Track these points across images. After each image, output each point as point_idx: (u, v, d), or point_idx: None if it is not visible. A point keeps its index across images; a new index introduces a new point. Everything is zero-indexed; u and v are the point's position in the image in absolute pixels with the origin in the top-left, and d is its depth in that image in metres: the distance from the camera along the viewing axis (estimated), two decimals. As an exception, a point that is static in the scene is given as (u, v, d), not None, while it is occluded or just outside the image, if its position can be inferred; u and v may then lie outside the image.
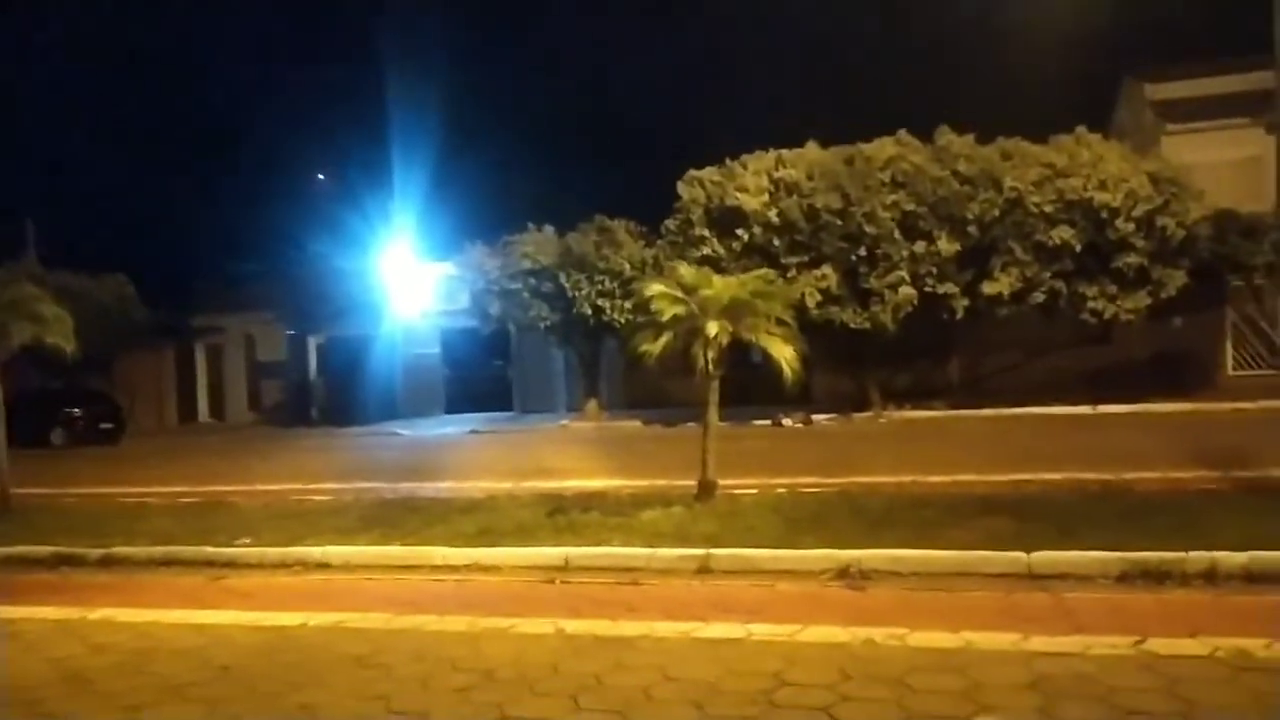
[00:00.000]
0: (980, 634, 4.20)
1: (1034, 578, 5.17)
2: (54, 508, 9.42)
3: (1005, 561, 5.31)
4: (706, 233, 18.42)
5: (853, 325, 17.75)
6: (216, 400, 30.12)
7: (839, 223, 17.59)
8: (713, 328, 7.40)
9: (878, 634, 4.25)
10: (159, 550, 7.05)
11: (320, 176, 29.00)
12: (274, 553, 6.80)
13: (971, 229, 17.26)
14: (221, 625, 5.15)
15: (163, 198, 33.13)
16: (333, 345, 27.21)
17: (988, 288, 17.26)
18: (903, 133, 18.41)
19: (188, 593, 6.05)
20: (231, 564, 6.73)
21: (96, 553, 7.07)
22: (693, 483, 7.89)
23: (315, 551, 6.73)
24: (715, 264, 15.54)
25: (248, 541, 7.09)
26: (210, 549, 6.97)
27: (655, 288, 7.84)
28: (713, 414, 7.82)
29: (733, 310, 7.58)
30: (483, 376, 27.08)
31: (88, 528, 7.98)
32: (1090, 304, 17.05)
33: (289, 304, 26.93)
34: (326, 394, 26.68)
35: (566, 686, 3.84)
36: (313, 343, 28.21)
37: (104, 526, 8.02)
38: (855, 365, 19.42)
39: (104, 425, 23.18)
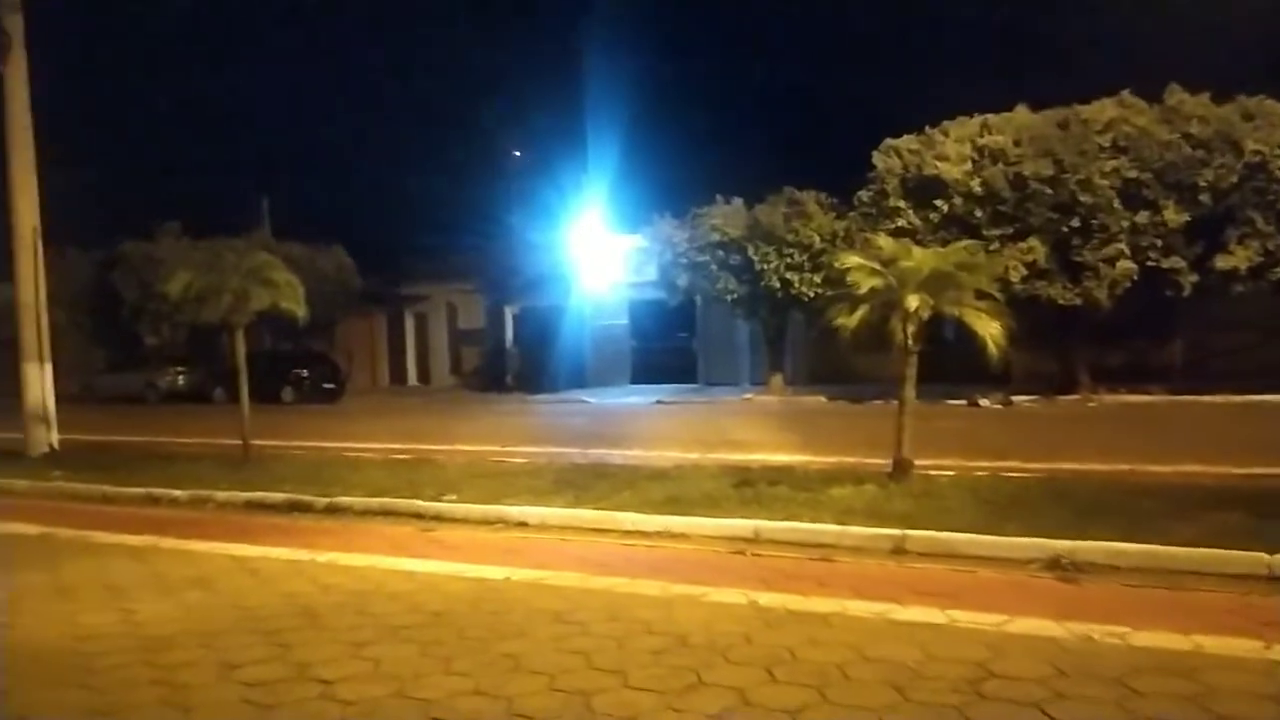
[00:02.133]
0: (1213, 638, 3.84)
1: (1275, 580, 4.67)
2: (286, 458, 10.35)
3: (1242, 561, 4.81)
4: (902, 204, 17.74)
5: (1061, 301, 16.62)
6: (422, 364, 32.17)
7: (1049, 192, 16.46)
8: (913, 301, 7.11)
9: (1096, 630, 3.97)
10: (375, 501, 7.59)
11: (517, 153, 30.09)
12: (476, 510, 7.16)
13: (1204, 197, 15.72)
14: (431, 574, 5.48)
15: (376, 175, 35.56)
16: (527, 315, 28.34)
17: (1221, 262, 15.70)
18: (1126, 93, 16.96)
19: (400, 542, 6.48)
20: (438, 517, 7.15)
21: (323, 501, 7.71)
22: (883, 461, 7.65)
23: (513, 511, 7.03)
24: (911, 236, 14.96)
25: (453, 498, 7.50)
26: (420, 503, 7.43)
27: (852, 259, 7.61)
28: (909, 390, 7.54)
29: (933, 283, 7.25)
30: (668, 348, 27.40)
31: (314, 477, 8.71)
32: (1345, 281, 15.14)
33: (488, 275, 28.26)
34: (520, 361, 27.87)
35: (760, 657, 3.83)
36: (509, 312, 29.50)
37: (328, 477, 8.73)
38: (1061, 344, 18.18)
39: (326, 385, 25.27)
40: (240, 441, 9.98)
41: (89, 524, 7.35)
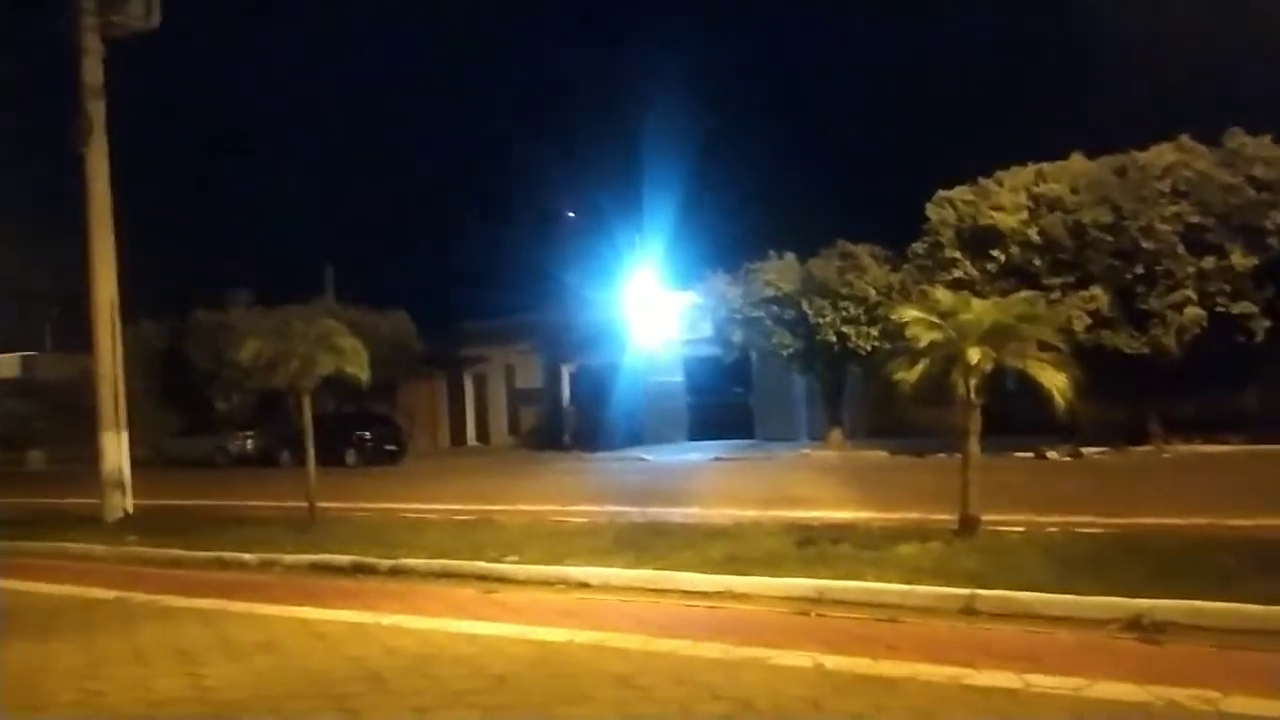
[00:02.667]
0: (1310, 703, 3.65)
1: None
2: (350, 520, 10.50)
3: (1338, 621, 4.59)
4: (958, 255, 17.60)
5: (1128, 350, 16.22)
6: (481, 424, 32.52)
7: (1109, 239, 16.21)
8: (974, 354, 7.02)
9: (1181, 695, 3.80)
10: (438, 563, 7.64)
11: (571, 214, 30.66)
12: (538, 571, 7.16)
13: (1271, 240, 15.33)
14: (494, 637, 5.48)
15: (436, 239, 36.48)
16: (583, 373, 28.57)
17: (1295, 305, 15.19)
18: (1184, 138, 16.71)
19: (463, 604, 6.50)
20: (501, 579, 7.16)
21: (386, 563, 7.79)
22: (949, 517, 7.49)
23: (575, 571, 7.01)
24: (968, 287, 14.82)
25: (515, 559, 7.52)
26: (482, 564, 7.46)
27: (910, 313, 7.56)
28: (974, 445, 7.40)
29: (995, 335, 7.16)
30: (724, 404, 27.29)
31: (378, 539, 8.81)
32: None
33: (544, 334, 28.65)
34: (577, 420, 28.02)
35: (829, 724, 3.74)
36: (565, 371, 29.78)
37: (391, 539, 8.82)
38: (1129, 393, 17.68)
39: (389, 447, 25.65)
40: (306, 504, 10.16)
41: (161, 588, 7.53)
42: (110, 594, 7.37)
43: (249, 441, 27.72)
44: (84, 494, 13.45)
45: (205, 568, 8.58)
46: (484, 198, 41.71)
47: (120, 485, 11.95)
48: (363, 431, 25.38)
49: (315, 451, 10.58)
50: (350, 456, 24.34)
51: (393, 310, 29.46)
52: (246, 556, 8.52)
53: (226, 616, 6.37)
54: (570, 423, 28.43)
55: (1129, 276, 16.14)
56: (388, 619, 6.02)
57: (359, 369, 9.90)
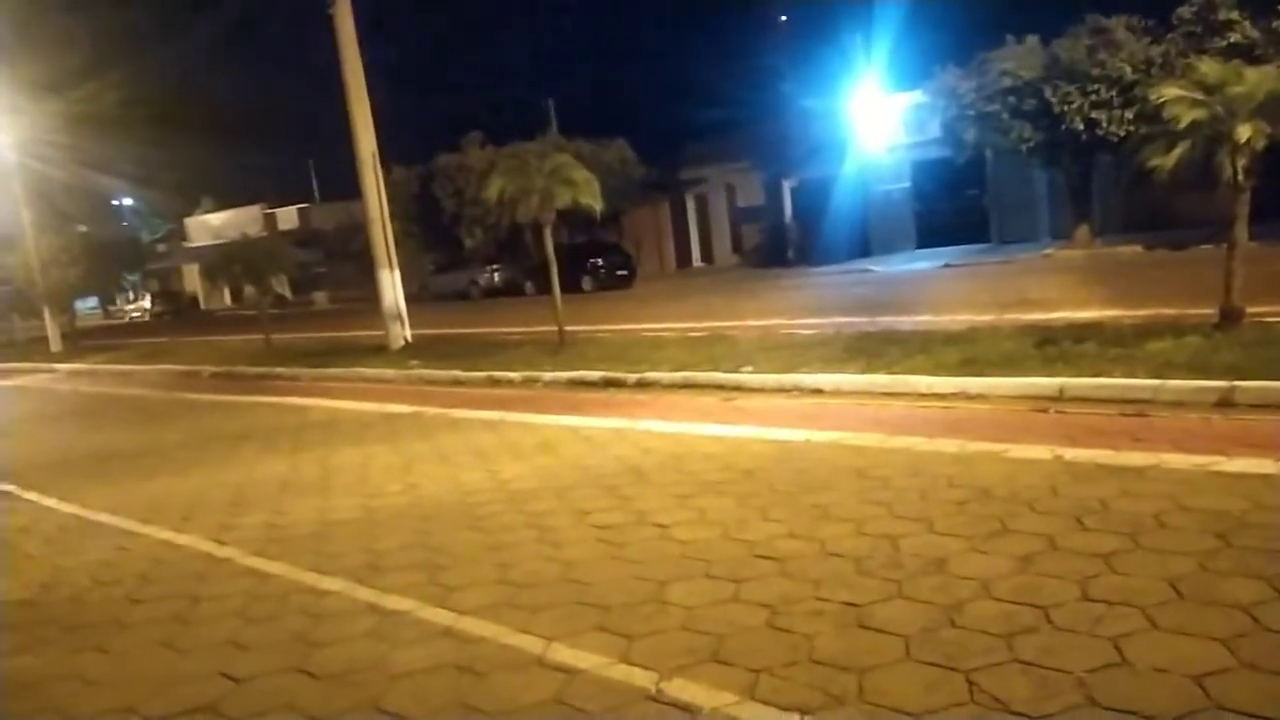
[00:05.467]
0: None
1: None
2: (595, 341, 11.36)
3: None
4: (1235, 15, 15.34)
5: None
6: (705, 245, 33.03)
7: None
8: (1244, 131, 6.37)
9: None
10: (679, 375, 8.24)
11: (783, 18, 29.19)
12: (772, 379, 7.57)
13: None
14: (737, 438, 5.97)
15: (648, 63, 36.10)
16: (804, 187, 28.01)
17: None
18: None
19: (706, 410, 7.05)
20: (738, 388, 7.65)
21: (633, 377, 8.49)
22: (1209, 311, 7.06)
23: (808, 379, 7.35)
24: (1246, 53, 12.99)
25: (750, 369, 7.96)
26: (720, 375, 7.97)
27: (1169, 90, 6.88)
28: (1241, 231, 6.83)
29: (1272, 108, 6.42)
30: (956, 208, 25.95)
31: (622, 357, 9.56)
32: None
33: (763, 150, 28.14)
34: (801, 235, 27.77)
35: (1067, 508, 3.90)
36: (786, 186, 29.29)
37: (634, 356, 9.54)
38: None
39: (620, 272, 26.83)
40: (555, 328, 11.07)
41: (447, 403, 8.68)
42: (407, 409, 8.60)
43: (496, 275, 29.88)
44: (367, 328, 15.31)
45: (480, 385, 9.73)
46: (695, 14, 40.37)
47: (399, 317, 13.51)
48: (595, 259, 26.59)
49: (556, 280, 11.38)
50: (586, 283, 25.67)
51: (614, 139, 29.94)
52: (512, 375, 9.55)
53: (506, 425, 7.31)
54: (793, 238, 28.24)
55: None
56: (641, 424, 6.68)
57: (593, 199, 10.39)
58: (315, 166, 45.47)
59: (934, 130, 22.23)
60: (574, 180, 10.21)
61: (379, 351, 13.14)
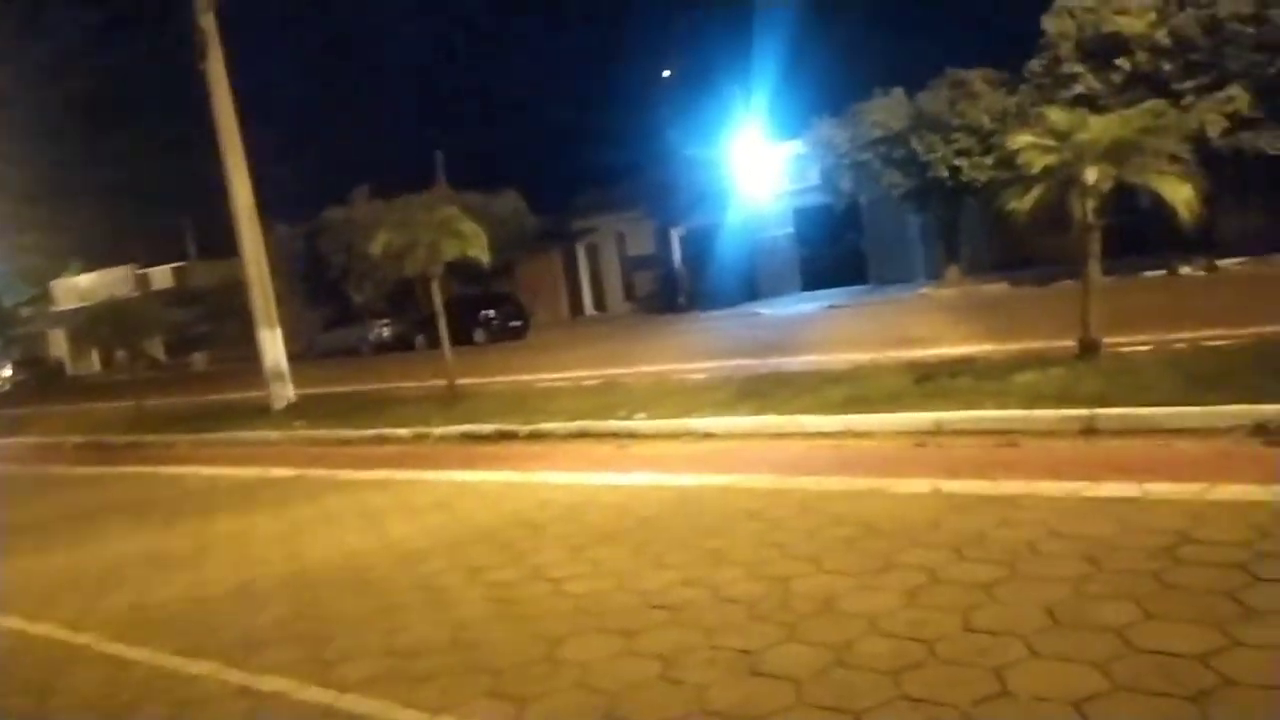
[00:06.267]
0: None
1: None
2: (487, 393, 11.20)
3: None
4: (1079, 68, 16.54)
5: (1271, 151, 15.08)
6: (598, 293, 33.25)
7: (1250, 31, 14.83)
8: (1092, 174, 6.81)
9: (1302, 492, 3.90)
10: (573, 425, 8.18)
11: (667, 72, 29.99)
12: (666, 425, 7.59)
13: None
14: (633, 486, 5.95)
15: (536, 116, 36.40)
16: (693, 234, 28.59)
17: None
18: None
19: (601, 459, 7.01)
20: (632, 435, 7.64)
21: (526, 428, 8.39)
22: (1071, 343, 7.46)
23: (701, 423, 7.40)
24: (1090, 103, 14.00)
25: (644, 416, 7.98)
26: (614, 423, 7.95)
27: (1021, 139, 7.33)
28: (1094, 267, 7.27)
29: (1115, 152, 6.90)
30: (837, 252, 26.94)
31: (516, 408, 9.44)
32: None
33: (652, 199, 28.66)
34: (691, 281, 28.25)
35: (949, 539, 4.01)
36: (675, 234, 29.83)
37: (528, 407, 9.43)
38: (1272, 199, 16.53)
39: (513, 323, 26.67)
40: (445, 382, 10.88)
41: (334, 464, 8.38)
42: (290, 472, 8.26)
43: (386, 329, 29.27)
44: (249, 388, 14.71)
45: (367, 444, 9.44)
46: (582, 68, 41.04)
47: (281, 376, 13.04)
48: (487, 311, 26.38)
49: (448, 333, 11.22)
50: (478, 335, 25.41)
51: (503, 191, 29.98)
52: (402, 431, 9.31)
53: (395, 483, 7.09)
54: (684, 284, 28.71)
55: (1273, 71, 14.83)
56: (535, 476, 6.59)
57: (481, 251, 10.34)
58: (193, 224, 43.84)
59: (814, 178, 23.09)
60: (462, 232, 10.15)
61: (261, 413, 12.62)
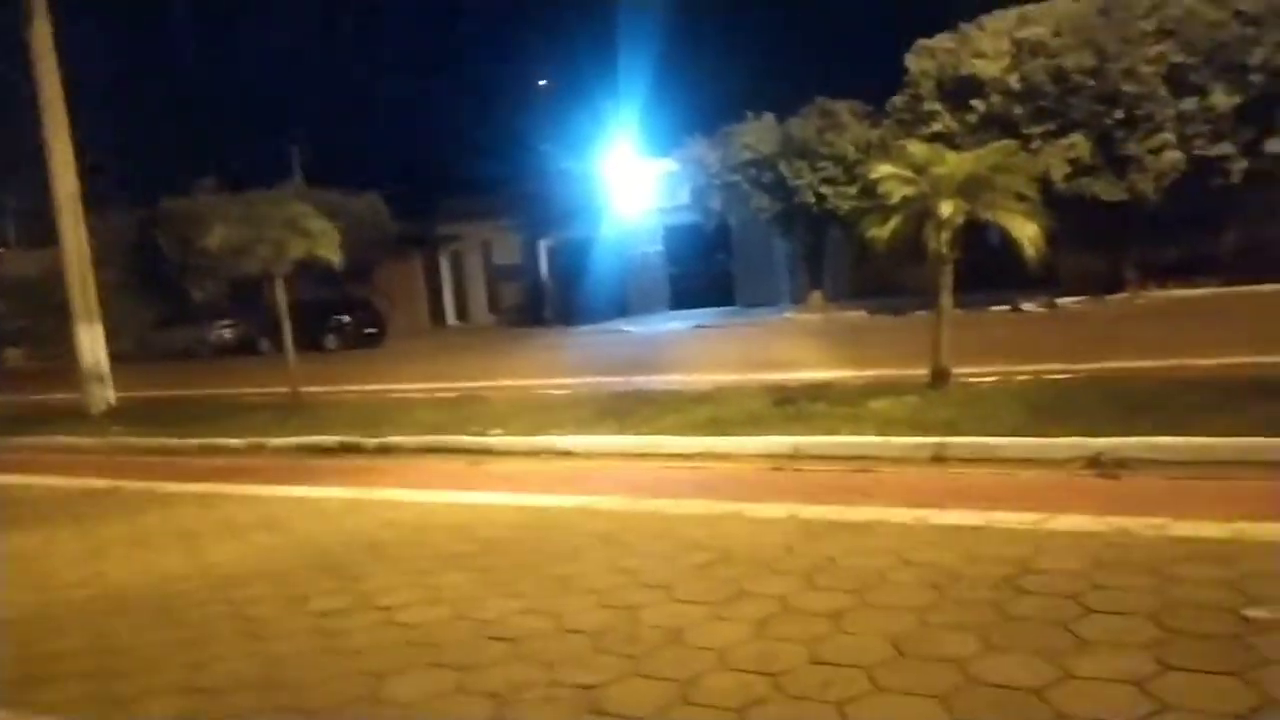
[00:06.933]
0: (1253, 524, 3.86)
1: (1322, 467, 4.65)
2: (335, 403, 10.63)
3: (1285, 449, 4.79)
4: (938, 107, 17.31)
5: (1107, 197, 16.19)
6: (460, 303, 32.52)
7: (1091, 83, 15.92)
8: (946, 208, 7.02)
9: (1134, 524, 4.01)
10: (424, 439, 7.80)
11: (543, 81, 29.76)
12: (523, 442, 7.33)
13: (1255, 78, 15.09)
14: (483, 505, 5.66)
15: (406, 117, 35.30)
16: (562, 248, 28.37)
17: (1272, 145, 15.11)
18: (1169, -28, 16.17)
19: (451, 476, 6.68)
20: (487, 451, 7.34)
21: (374, 442, 7.95)
22: (923, 371, 7.65)
23: (559, 441, 7.18)
24: (948, 140, 14.62)
25: (500, 432, 7.69)
26: (468, 438, 7.62)
27: (883, 169, 7.50)
28: (946, 299, 7.49)
29: (969, 188, 7.14)
30: (706, 272, 27.31)
31: (364, 420, 8.96)
32: (1406, 157, 14.52)
33: (521, 209, 28.27)
34: (558, 295, 28.03)
35: (802, 566, 3.93)
36: (544, 246, 29.54)
37: (378, 418, 8.97)
38: (1108, 242, 17.77)
39: (368, 330, 25.70)
40: (288, 389, 10.25)
41: (154, 475, 7.68)
42: (104, 483, 7.52)
43: (227, 331, 27.68)
44: (66, 389, 13.49)
45: (194, 454, 8.74)
46: (454, 73, 40.19)
47: (100, 377, 12.00)
48: (341, 316, 25.36)
49: (294, 337, 10.62)
50: (330, 341, 24.39)
51: (365, 191, 28.91)
52: (234, 441, 8.67)
53: (222, 499, 6.54)
54: (550, 297, 28.46)
55: (1109, 122, 15.94)
56: (380, 494, 6.20)
57: (331, 252, 9.83)
58: (16, 208, 40.37)
59: (684, 197, 23.32)
60: (310, 230, 9.61)
61: (77, 417, 11.56)
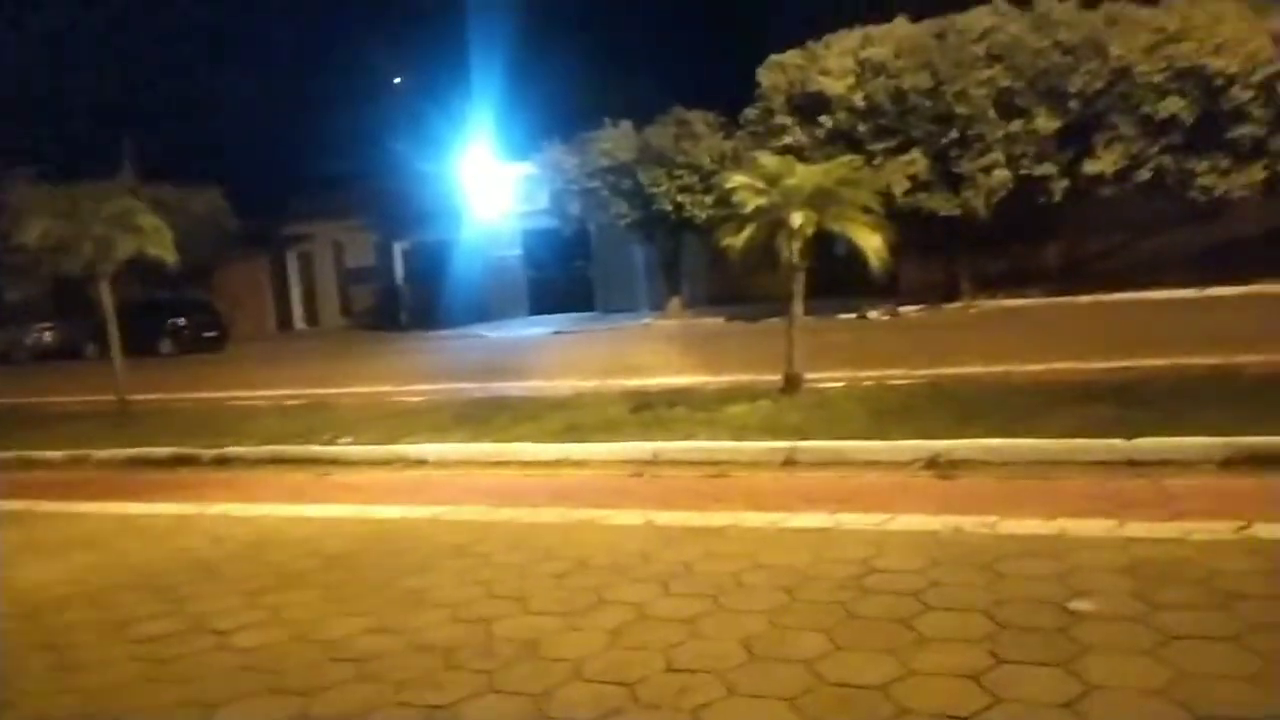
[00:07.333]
0: (1075, 521, 4.14)
1: (1134, 465, 5.03)
2: (168, 411, 9.97)
3: (1104, 449, 5.16)
4: (789, 121, 17.87)
5: (943, 212, 17.15)
6: (310, 306, 31.20)
7: (928, 104, 16.82)
8: (797, 218, 7.23)
9: (967, 522, 4.23)
10: (268, 449, 7.41)
11: (397, 80, 28.96)
12: (374, 450, 7.08)
13: (1073, 104, 16.31)
14: (329, 518, 5.41)
15: (251, 112, 33.52)
16: (418, 250, 27.69)
17: (1089, 167, 16.40)
18: (1000, 0, 17.28)
19: (296, 488, 6.37)
20: (335, 461, 7.04)
21: (210, 453, 7.48)
22: (776, 377, 7.86)
23: (412, 449, 6.97)
24: (798, 153, 15.08)
25: (349, 440, 7.39)
26: (315, 448, 7.30)
27: (737, 179, 7.67)
28: (797, 307, 7.72)
29: (818, 200, 7.39)
30: (565, 277, 27.22)
31: (201, 430, 8.43)
32: (1200, 180, 16.06)
33: (374, 210, 27.41)
34: (414, 298, 27.32)
35: (658, 573, 3.94)
36: (398, 248, 28.74)
37: (216, 428, 8.46)
38: (946, 254, 18.83)
39: (208, 334, 24.30)
40: (116, 397, 9.54)
41: (-43, 493, 6.98)
42: (-104, 503, 6.77)
43: (48, 334, 25.62)
44: None
45: (5, 468, 7.99)
46: (305, 68, 38.49)
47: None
48: (177, 319, 23.90)
49: (126, 341, 9.94)
50: (165, 345, 22.96)
51: (205, 187, 27.27)
52: (53, 454, 8.00)
53: (36, 517, 6.00)
54: (406, 301, 27.70)
55: (944, 141, 16.88)
56: (214, 509, 5.83)
57: (163, 250, 9.21)
58: None
59: (543, 201, 23.19)
60: (140, 227, 8.98)
61: None
